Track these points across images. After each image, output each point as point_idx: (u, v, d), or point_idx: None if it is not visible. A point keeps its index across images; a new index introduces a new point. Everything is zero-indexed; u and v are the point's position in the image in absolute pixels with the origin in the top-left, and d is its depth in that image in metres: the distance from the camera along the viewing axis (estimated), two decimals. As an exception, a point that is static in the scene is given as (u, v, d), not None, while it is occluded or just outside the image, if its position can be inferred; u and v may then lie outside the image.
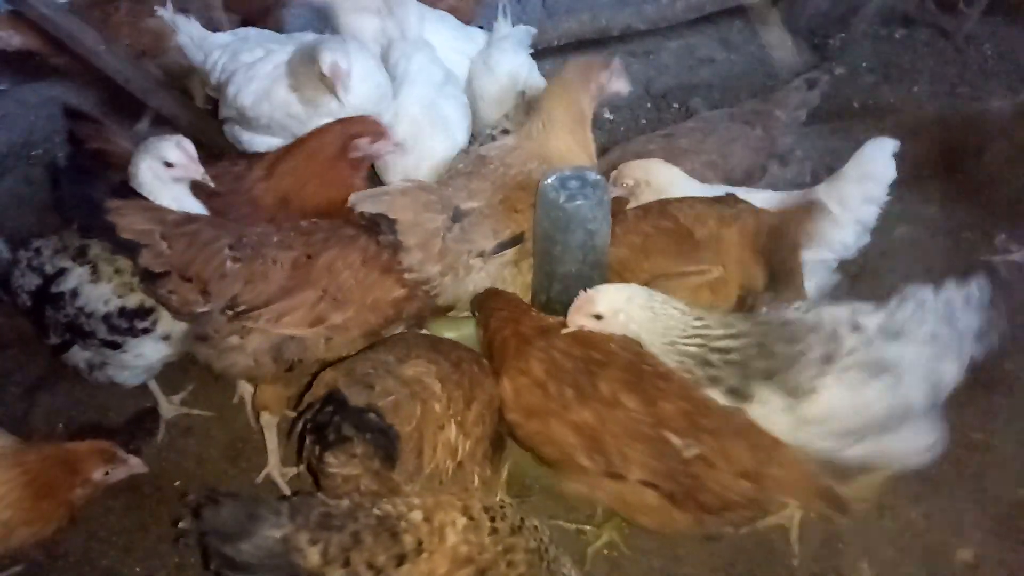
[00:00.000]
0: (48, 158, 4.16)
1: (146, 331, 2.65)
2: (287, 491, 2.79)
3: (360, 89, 3.16)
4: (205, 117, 3.99)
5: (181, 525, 1.91)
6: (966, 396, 3.15)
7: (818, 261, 2.85)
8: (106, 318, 2.63)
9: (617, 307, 2.33)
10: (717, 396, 2.26)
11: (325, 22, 4.79)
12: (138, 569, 2.66)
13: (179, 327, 2.68)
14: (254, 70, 3.31)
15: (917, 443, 2.45)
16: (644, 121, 4.67)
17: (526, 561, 2.06)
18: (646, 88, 4.87)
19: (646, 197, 2.87)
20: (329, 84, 3.07)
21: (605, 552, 2.67)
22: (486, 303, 2.66)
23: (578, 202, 2.57)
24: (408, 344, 2.49)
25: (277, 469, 2.85)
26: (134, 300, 2.64)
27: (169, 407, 3.05)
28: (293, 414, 2.66)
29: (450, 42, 3.81)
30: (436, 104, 3.40)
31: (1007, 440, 3.03)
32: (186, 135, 2.79)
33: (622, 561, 2.66)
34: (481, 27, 4.03)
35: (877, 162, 2.97)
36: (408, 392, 2.25)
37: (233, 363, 2.56)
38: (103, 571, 2.65)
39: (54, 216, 2.97)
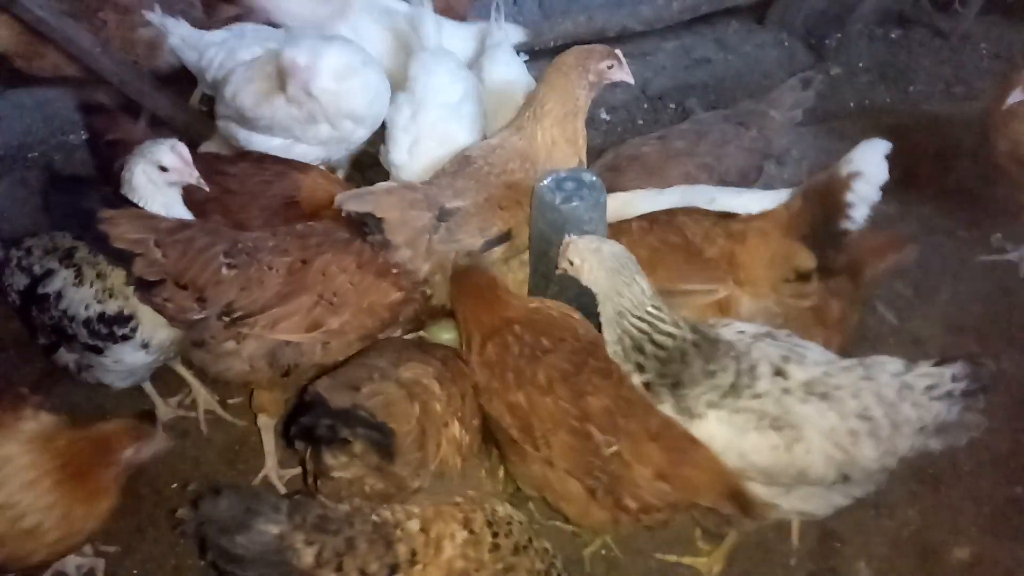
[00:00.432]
0: (44, 160, 4.15)
1: (125, 338, 2.63)
2: (284, 493, 2.79)
3: (331, 85, 3.08)
4: (201, 119, 3.99)
5: (179, 514, 1.92)
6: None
7: None
8: (86, 323, 2.63)
9: (584, 256, 2.33)
10: (637, 384, 2.29)
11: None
12: (135, 572, 2.66)
13: (159, 335, 2.67)
14: (253, 69, 3.26)
15: (815, 506, 2.33)
16: (641, 122, 4.67)
17: None
18: (642, 89, 4.87)
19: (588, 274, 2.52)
20: (282, 80, 3.00)
21: (603, 552, 2.68)
22: (459, 282, 2.64)
23: (574, 204, 2.58)
24: (397, 348, 2.51)
25: (275, 471, 2.85)
26: (113, 306, 2.62)
27: (166, 409, 3.05)
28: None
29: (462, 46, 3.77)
30: (449, 132, 3.25)
31: (1003, 438, 3.04)
32: (181, 137, 2.79)
33: (620, 561, 2.66)
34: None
35: (869, 162, 2.98)
36: (405, 393, 2.25)
37: (228, 368, 2.55)
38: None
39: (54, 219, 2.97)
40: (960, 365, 2.16)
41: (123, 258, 2.40)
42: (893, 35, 5.36)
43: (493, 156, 2.90)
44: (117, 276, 2.64)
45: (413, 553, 1.96)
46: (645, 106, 4.80)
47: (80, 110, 3.00)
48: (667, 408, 2.24)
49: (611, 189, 2.75)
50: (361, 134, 3.36)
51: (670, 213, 2.82)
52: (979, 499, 2.88)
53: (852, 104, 4.82)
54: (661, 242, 2.73)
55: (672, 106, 4.78)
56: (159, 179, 2.68)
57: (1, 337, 3.23)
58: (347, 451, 2.13)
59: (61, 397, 3.10)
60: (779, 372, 2.21)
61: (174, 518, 1.96)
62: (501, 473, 2.76)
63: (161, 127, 3.84)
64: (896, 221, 3.85)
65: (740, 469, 2.22)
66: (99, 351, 2.68)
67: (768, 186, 3.43)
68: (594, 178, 2.67)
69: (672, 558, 2.66)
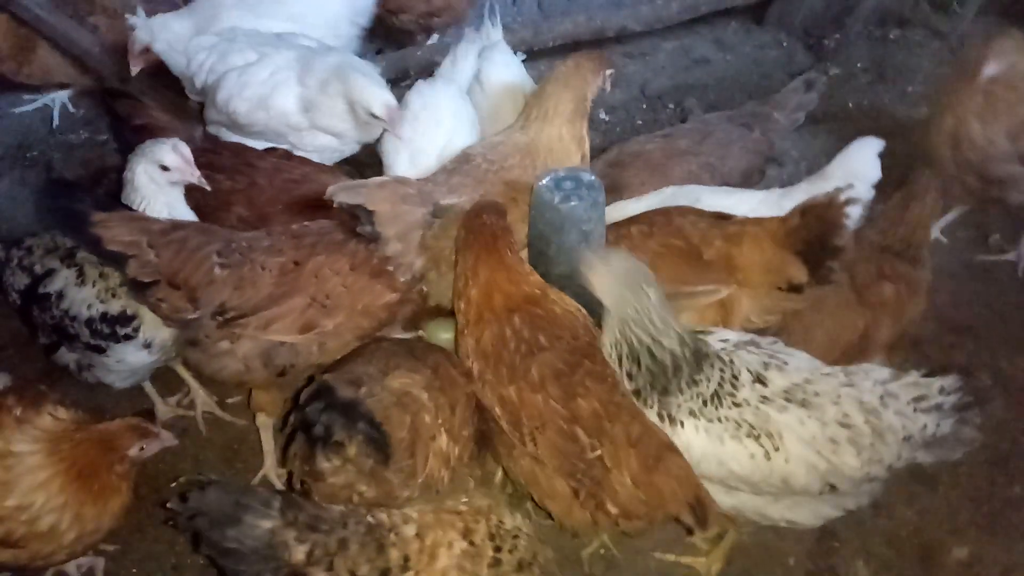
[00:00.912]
0: (44, 159, 4.15)
1: (128, 337, 2.64)
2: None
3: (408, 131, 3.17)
4: (198, 117, 3.99)
5: (169, 506, 1.92)
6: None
7: None
8: (89, 323, 2.63)
9: (594, 267, 2.33)
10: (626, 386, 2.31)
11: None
12: (135, 571, 2.65)
13: (161, 335, 2.67)
14: (248, 75, 3.21)
15: (803, 516, 2.32)
16: (640, 122, 4.67)
17: None
18: (642, 89, 4.88)
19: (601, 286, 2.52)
20: (384, 124, 3.09)
21: (602, 552, 2.68)
22: (471, 226, 2.54)
23: (573, 203, 2.58)
24: (387, 354, 2.45)
25: (273, 470, 2.85)
26: (116, 306, 2.63)
27: (165, 408, 3.05)
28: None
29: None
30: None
31: (1002, 438, 3.05)
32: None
33: (618, 561, 2.66)
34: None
35: (862, 161, 2.99)
36: (396, 402, 2.22)
37: (223, 367, 2.56)
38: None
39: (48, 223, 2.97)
40: (951, 379, 2.15)
41: (117, 260, 2.41)
42: (892, 36, 5.37)
43: (493, 153, 2.91)
44: (119, 276, 2.63)
45: (406, 559, 1.93)
46: (644, 106, 4.80)
47: (105, 95, 2.98)
48: (651, 414, 2.26)
49: (614, 185, 2.76)
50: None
51: (667, 216, 2.82)
52: (978, 499, 2.88)
53: (851, 104, 4.82)
54: (663, 246, 2.73)
55: (671, 106, 4.78)
56: (161, 178, 2.68)
57: (1, 336, 3.23)
58: (341, 454, 2.11)
59: (60, 396, 3.10)
60: (759, 379, 2.21)
61: (166, 510, 1.96)
62: (498, 478, 2.75)
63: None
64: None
65: (721, 478, 2.23)
66: (101, 351, 2.68)
67: (768, 188, 3.45)
68: (592, 177, 2.68)
69: (671, 557, 2.66)
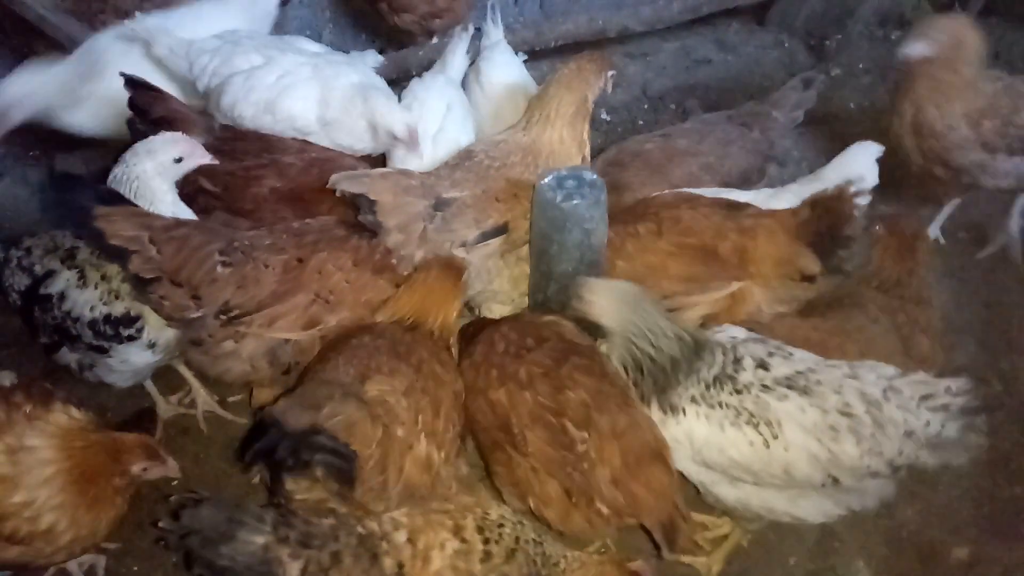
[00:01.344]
0: (46, 158, 4.15)
1: (132, 338, 2.64)
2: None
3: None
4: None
5: (161, 525, 1.88)
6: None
7: None
8: (92, 324, 2.63)
9: (598, 294, 2.37)
10: (633, 397, 2.32)
11: (323, 23, 4.84)
12: (136, 568, 2.65)
13: (165, 335, 2.67)
14: (255, 79, 3.20)
15: (806, 512, 2.31)
16: (641, 122, 4.67)
17: None
18: (643, 89, 4.89)
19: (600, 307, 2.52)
20: (404, 143, 3.14)
21: (602, 552, 2.68)
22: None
23: (575, 202, 2.58)
24: (368, 353, 2.34)
25: None
26: (120, 307, 2.62)
27: (167, 407, 3.05)
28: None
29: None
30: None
31: (1002, 438, 3.05)
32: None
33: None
34: (478, 28, 4.01)
35: (860, 165, 2.99)
36: (367, 415, 2.10)
37: (228, 369, 2.56)
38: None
39: (50, 217, 2.98)
40: (960, 380, 2.14)
41: (119, 255, 2.41)
42: (893, 36, 5.36)
43: (495, 150, 2.92)
44: (121, 277, 2.63)
45: (400, 566, 1.92)
46: (645, 106, 4.81)
47: (125, 85, 2.94)
48: (654, 412, 2.27)
49: (613, 184, 2.77)
50: None
51: (674, 211, 2.81)
52: (978, 499, 2.88)
53: (852, 105, 4.82)
54: (676, 246, 2.73)
55: (672, 106, 4.79)
56: (175, 172, 2.69)
57: (2, 334, 3.23)
58: (308, 475, 2.02)
59: (62, 394, 3.11)
60: (761, 365, 2.23)
61: (157, 529, 1.91)
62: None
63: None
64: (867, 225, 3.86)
65: (724, 467, 2.23)
66: (104, 351, 2.69)
67: (770, 186, 3.44)
68: (595, 176, 2.68)
69: (671, 557, 2.66)
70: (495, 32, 3.81)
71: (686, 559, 2.66)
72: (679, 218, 2.77)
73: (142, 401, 3.04)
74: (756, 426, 2.16)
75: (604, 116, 4.67)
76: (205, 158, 2.73)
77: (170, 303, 2.46)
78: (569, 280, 2.65)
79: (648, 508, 2.19)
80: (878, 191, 3.01)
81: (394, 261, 2.65)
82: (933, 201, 3.84)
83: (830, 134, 4.38)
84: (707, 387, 2.22)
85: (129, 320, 2.63)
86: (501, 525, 2.03)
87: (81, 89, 3.35)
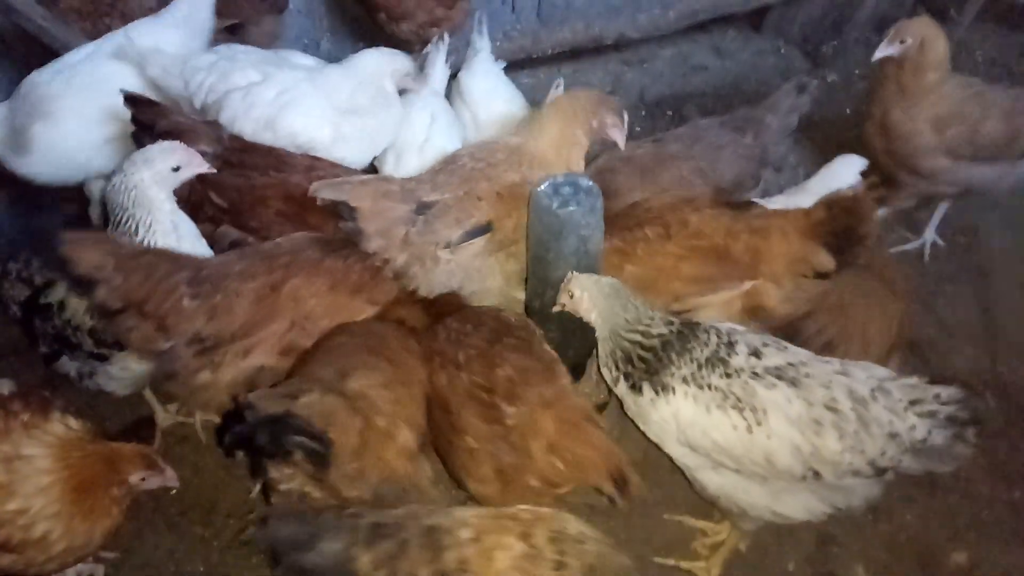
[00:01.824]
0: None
1: None
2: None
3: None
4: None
5: (247, 534, 2.06)
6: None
7: None
8: (92, 332, 2.63)
9: (585, 287, 2.41)
10: (623, 390, 2.35)
11: (321, 32, 4.86)
12: (135, 577, 2.66)
13: None
14: (254, 96, 3.17)
15: (789, 508, 2.31)
16: (638, 129, 4.68)
17: None
18: (640, 96, 4.90)
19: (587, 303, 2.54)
20: None
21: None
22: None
23: (571, 208, 2.59)
24: (346, 352, 2.42)
25: None
26: None
27: (165, 416, 3.05)
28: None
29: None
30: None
31: (1001, 442, 3.05)
32: None
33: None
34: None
35: (843, 178, 3.01)
36: (347, 404, 2.19)
37: (209, 401, 2.56)
38: (99, 579, 2.65)
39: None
40: (951, 389, 2.14)
41: (85, 285, 2.34)
42: (890, 43, 5.38)
43: (480, 151, 2.93)
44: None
45: (464, 562, 1.93)
46: (643, 113, 4.82)
47: (125, 102, 2.93)
48: (646, 394, 2.28)
49: (605, 190, 2.76)
50: None
51: (680, 213, 2.81)
52: (977, 503, 2.88)
53: (849, 111, 4.83)
54: (686, 248, 2.75)
55: (669, 113, 4.80)
56: (172, 181, 2.68)
57: (1, 344, 3.24)
58: (290, 462, 2.09)
59: (61, 403, 3.11)
60: (755, 353, 2.25)
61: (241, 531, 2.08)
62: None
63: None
64: (892, 226, 3.88)
65: (706, 450, 2.25)
66: (104, 359, 2.70)
67: (766, 193, 3.46)
68: (591, 183, 2.69)
69: (670, 562, 2.66)
70: (480, 42, 3.81)
71: (685, 565, 2.66)
72: (686, 221, 2.78)
73: (141, 410, 3.05)
74: (741, 411, 2.17)
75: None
76: (203, 167, 2.73)
77: (138, 334, 2.40)
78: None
79: (594, 464, 2.23)
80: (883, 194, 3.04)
81: (370, 277, 2.66)
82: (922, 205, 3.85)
83: (827, 140, 4.39)
84: (699, 367, 2.24)
85: None
86: (581, 542, 2.01)
87: (26, 133, 3.12)
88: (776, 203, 3.02)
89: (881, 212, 3.52)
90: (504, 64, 4.03)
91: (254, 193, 2.93)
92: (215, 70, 3.25)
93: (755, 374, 2.20)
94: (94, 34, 3.81)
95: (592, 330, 2.43)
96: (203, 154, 2.83)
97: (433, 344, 2.55)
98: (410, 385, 2.42)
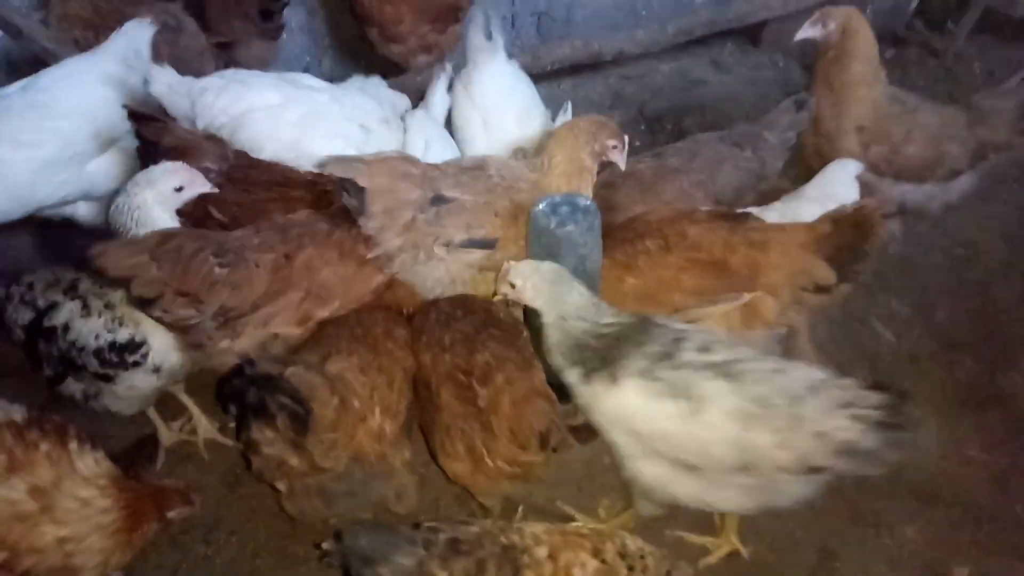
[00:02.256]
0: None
1: (137, 364, 2.67)
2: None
3: None
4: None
5: (324, 546, 2.06)
6: (960, 413, 3.21)
7: None
8: (97, 352, 2.66)
9: (526, 275, 2.46)
10: (574, 378, 2.40)
11: (323, 50, 4.91)
12: (138, 596, 2.67)
13: (170, 359, 2.71)
14: (278, 118, 3.20)
15: (720, 500, 2.37)
16: (638, 143, 4.70)
17: None
18: (640, 110, 4.94)
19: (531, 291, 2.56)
20: None
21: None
22: None
23: (569, 228, 2.61)
24: (329, 339, 2.58)
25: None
26: (124, 334, 2.66)
27: (168, 434, 3.07)
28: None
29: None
30: None
31: (1002, 456, 3.05)
32: None
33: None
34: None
35: (839, 183, 3.01)
36: (326, 382, 2.33)
37: (223, 363, 2.61)
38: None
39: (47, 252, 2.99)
40: (880, 395, 2.15)
41: (123, 283, 2.47)
42: (887, 54, 5.40)
43: (506, 170, 2.97)
44: (124, 304, 2.68)
45: None
46: (642, 127, 4.86)
47: (130, 119, 2.96)
48: (597, 384, 2.34)
49: (607, 205, 2.79)
50: None
51: (679, 227, 2.84)
52: (978, 517, 2.88)
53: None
54: (686, 260, 2.77)
55: (669, 127, 4.83)
56: (175, 201, 2.73)
57: (5, 363, 3.26)
58: (272, 426, 2.23)
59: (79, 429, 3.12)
60: (702, 349, 2.30)
61: (320, 549, 2.12)
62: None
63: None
64: (892, 241, 3.89)
65: (648, 437, 2.31)
66: (110, 379, 2.72)
67: (764, 199, 3.45)
68: (588, 202, 2.71)
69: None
70: (491, 41, 3.70)
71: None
72: (685, 233, 2.80)
73: (144, 428, 3.06)
74: (683, 401, 2.23)
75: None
76: (206, 187, 2.77)
77: (173, 314, 2.51)
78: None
79: (529, 427, 2.29)
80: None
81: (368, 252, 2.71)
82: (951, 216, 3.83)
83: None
84: (651, 360, 2.29)
85: (134, 346, 2.67)
86: (643, 557, 2.06)
87: None
88: (774, 210, 3.05)
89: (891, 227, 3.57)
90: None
91: (256, 207, 2.98)
92: (225, 92, 3.26)
93: (699, 368, 2.26)
94: (97, 44, 3.82)
95: None
96: (208, 171, 2.88)
97: (424, 324, 2.66)
98: (389, 372, 2.53)
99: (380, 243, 2.72)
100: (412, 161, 2.86)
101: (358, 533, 2.02)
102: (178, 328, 2.59)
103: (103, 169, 3.21)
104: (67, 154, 3.05)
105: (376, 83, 3.71)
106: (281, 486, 2.42)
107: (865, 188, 3.10)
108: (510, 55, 3.86)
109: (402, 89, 4.10)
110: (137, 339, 2.67)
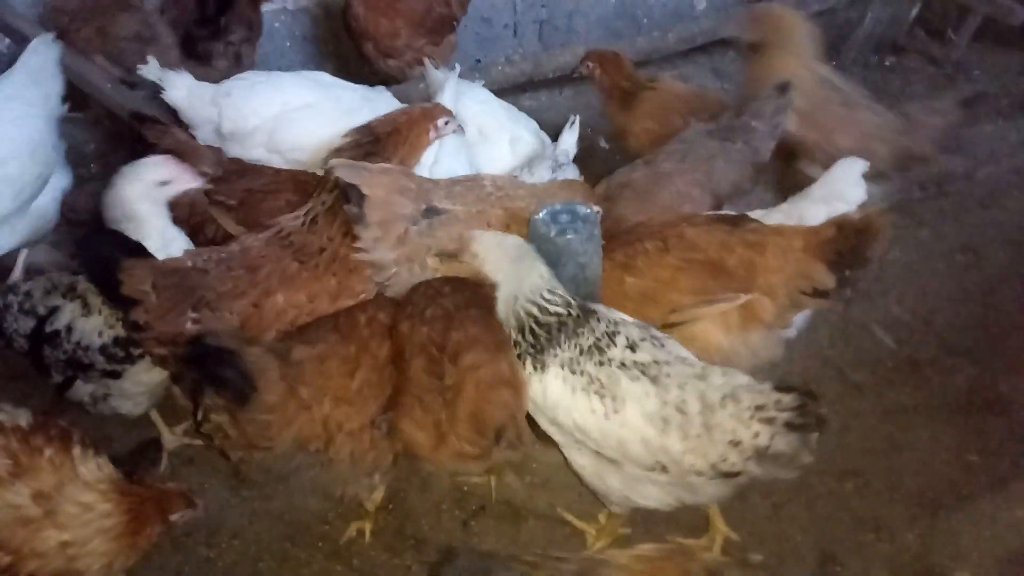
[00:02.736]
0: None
1: (142, 356, 2.68)
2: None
3: None
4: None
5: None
6: (960, 418, 3.22)
7: None
8: (102, 349, 2.68)
9: (489, 246, 2.51)
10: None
11: (327, 58, 4.94)
12: (140, 600, 2.68)
13: None
14: (319, 117, 3.24)
15: (641, 495, 2.39)
16: (639, 149, 4.74)
17: None
18: (641, 117, 4.95)
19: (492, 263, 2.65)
20: None
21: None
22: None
23: (569, 236, 2.62)
24: (310, 328, 2.60)
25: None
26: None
27: (171, 437, 3.08)
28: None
29: None
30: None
31: (1002, 461, 3.05)
32: None
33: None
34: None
35: (846, 182, 3.00)
36: (277, 369, 2.34)
37: None
38: (106, 601, 2.67)
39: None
40: (790, 397, 2.16)
41: (126, 304, 2.47)
42: (887, 62, 5.44)
43: (503, 181, 2.98)
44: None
45: None
46: (643, 134, 4.87)
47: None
48: (528, 369, 2.39)
49: (606, 219, 2.79)
50: None
51: (678, 228, 2.85)
52: (979, 522, 2.87)
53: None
54: (684, 261, 2.77)
55: (670, 134, 4.84)
56: (161, 195, 2.73)
57: (11, 367, 3.28)
58: (219, 393, 2.28)
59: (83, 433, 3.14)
60: (631, 346, 2.33)
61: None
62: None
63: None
64: (894, 245, 3.90)
65: (569, 429, 2.36)
66: (118, 375, 2.73)
67: (764, 203, 3.45)
68: (588, 211, 2.71)
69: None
70: (451, 76, 3.69)
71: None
72: (683, 234, 2.82)
73: (147, 432, 3.08)
74: (602, 398, 2.27)
75: (603, 144, 4.73)
76: (193, 182, 2.76)
77: (153, 351, 2.55)
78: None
79: (490, 417, 2.30)
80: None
81: (347, 274, 2.72)
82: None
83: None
84: (580, 352, 2.33)
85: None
86: (720, 572, 2.07)
87: None
88: (780, 211, 3.04)
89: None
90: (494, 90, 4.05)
91: (265, 188, 3.01)
92: (255, 94, 3.27)
93: (623, 365, 2.29)
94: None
95: None
96: (203, 175, 2.88)
97: (412, 295, 2.65)
98: (354, 363, 2.49)
99: (374, 254, 2.72)
100: (410, 175, 2.89)
101: (458, 559, 2.05)
102: (159, 361, 2.61)
103: (49, 199, 3.19)
104: (19, 203, 3.00)
105: (382, 94, 3.70)
106: (233, 456, 2.45)
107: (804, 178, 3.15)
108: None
109: (406, 97, 4.14)
110: None
